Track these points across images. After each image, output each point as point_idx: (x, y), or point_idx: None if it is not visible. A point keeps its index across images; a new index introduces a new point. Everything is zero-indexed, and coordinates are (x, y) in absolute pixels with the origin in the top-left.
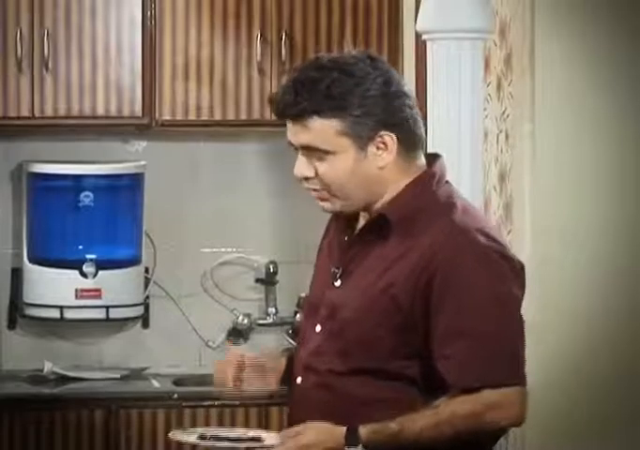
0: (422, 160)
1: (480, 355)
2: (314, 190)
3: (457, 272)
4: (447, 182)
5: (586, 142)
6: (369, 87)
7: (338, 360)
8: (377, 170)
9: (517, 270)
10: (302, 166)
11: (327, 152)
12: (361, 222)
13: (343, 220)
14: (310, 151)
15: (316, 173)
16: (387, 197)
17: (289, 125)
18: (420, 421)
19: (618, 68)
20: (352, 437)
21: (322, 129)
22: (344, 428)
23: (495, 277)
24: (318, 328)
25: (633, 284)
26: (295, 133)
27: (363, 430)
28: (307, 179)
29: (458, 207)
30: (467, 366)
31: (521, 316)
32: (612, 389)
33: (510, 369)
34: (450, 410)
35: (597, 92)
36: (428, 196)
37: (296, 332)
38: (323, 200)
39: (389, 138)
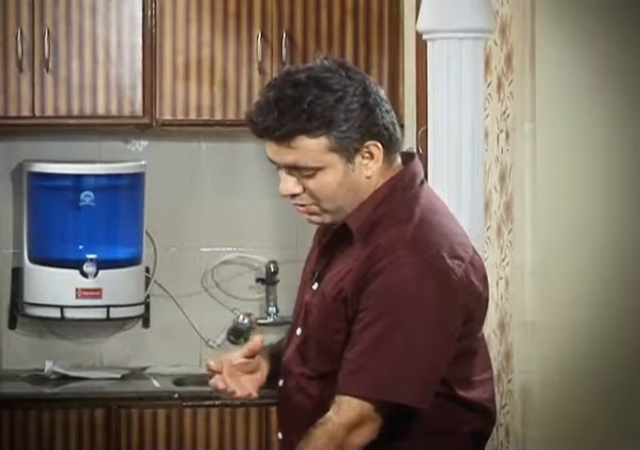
0: (398, 160)
1: (371, 365)
2: (302, 206)
3: (381, 282)
4: (421, 183)
5: (587, 141)
6: (351, 100)
7: (308, 364)
8: (365, 179)
9: (453, 288)
10: (289, 184)
11: (315, 169)
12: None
13: (324, 224)
14: (297, 169)
15: (304, 189)
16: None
17: (271, 145)
18: None
19: (619, 67)
20: None
21: (309, 148)
22: None
23: (422, 293)
24: (299, 331)
25: (634, 284)
26: (279, 153)
27: None
28: (294, 196)
29: (415, 216)
30: (356, 373)
31: (443, 335)
32: (612, 389)
33: (397, 386)
34: (313, 445)
35: (597, 91)
36: (391, 203)
37: None
38: (311, 214)
39: (375, 147)
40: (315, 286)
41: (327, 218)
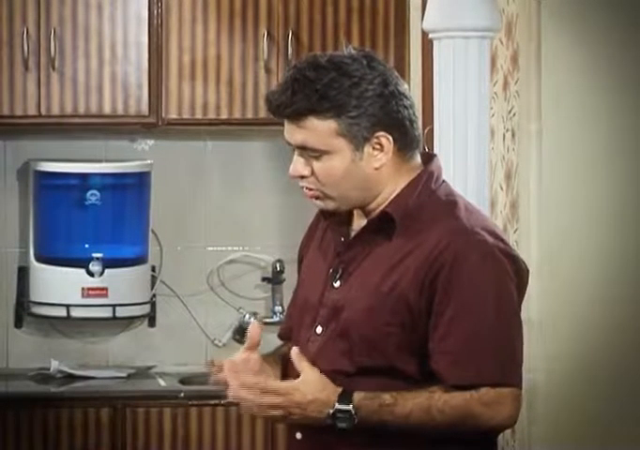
0: (418, 160)
1: (478, 353)
2: (309, 189)
3: (461, 270)
4: (444, 181)
5: (592, 140)
6: (366, 88)
7: (344, 361)
8: (373, 170)
9: (520, 270)
10: (298, 165)
11: (322, 152)
12: (358, 222)
13: (336, 222)
14: (306, 150)
15: (312, 172)
16: (384, 196)
17: (286, 123)
18: (414, 400)
19: (625, 66)
20: (345, 397)
21: (318, 130)
22: (340, 388)
23: (500, 276)
24: (319, 329)
25: (638, 282)
26: (291, 132)
27: (357, 394)
28: (302, 177)
29: (460, 206)
30: (463, 363)
31: (520, 317)
32: (616, 387)
33: (506, 369)
34: (445, 398)
35: (603, 90)
36: (429, 195)
37: None
38: (317, 198)
39: (386, 139)
40: (338, 283)
41: (330, 205)
